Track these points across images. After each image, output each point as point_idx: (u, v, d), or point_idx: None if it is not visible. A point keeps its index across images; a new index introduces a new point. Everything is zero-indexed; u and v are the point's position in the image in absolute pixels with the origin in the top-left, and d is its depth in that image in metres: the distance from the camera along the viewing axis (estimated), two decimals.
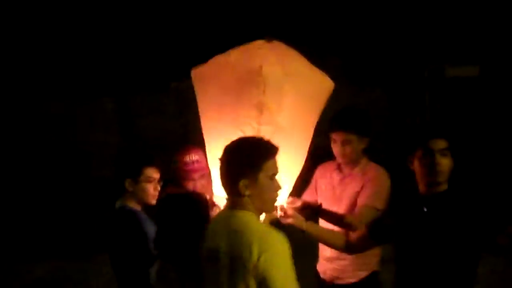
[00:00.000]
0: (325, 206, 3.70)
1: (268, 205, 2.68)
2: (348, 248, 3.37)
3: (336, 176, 3.82)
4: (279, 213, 3.25)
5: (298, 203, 3.34)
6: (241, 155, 2.57)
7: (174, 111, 10.23)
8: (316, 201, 3.81)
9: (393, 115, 12.14)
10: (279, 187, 2.66)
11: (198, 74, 3.28)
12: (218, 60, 3.22)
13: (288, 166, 3.16)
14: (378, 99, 11.97)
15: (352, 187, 3.71)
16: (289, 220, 3.25)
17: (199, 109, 3.29)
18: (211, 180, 3.36)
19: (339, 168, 3.83)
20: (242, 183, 2.53)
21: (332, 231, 3.49)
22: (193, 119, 3.59)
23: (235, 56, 3.15)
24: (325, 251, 3.86)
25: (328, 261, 3.86)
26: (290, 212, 3.24)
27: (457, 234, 2.94)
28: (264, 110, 3.00)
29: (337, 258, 3.77)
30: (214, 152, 3.21)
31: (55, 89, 8.91)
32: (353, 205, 3.67)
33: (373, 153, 3.83)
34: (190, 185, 3.60)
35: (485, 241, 2.90)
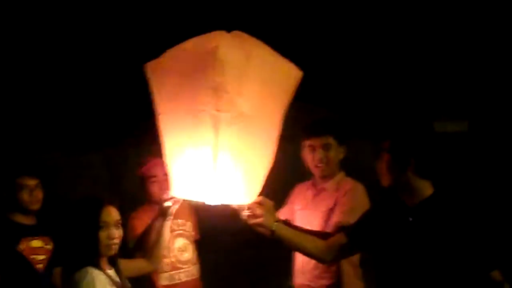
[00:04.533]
0: (298, 224, 3.36)
1: None
2: (324, 254, 2.98)
3: (310, 193, 3.49)
4: (245, 212, 2.87)
5: (268, 203, 2.93)
6: None
7: None
8: (287, 219, 3.45)
9: None
10: None
11: (153, 67, 2.93)
12: (173, 51, 2.89)
13: (253, 159, 2.79)
14: (367, 152, 11.72)
15: (325, 204, 3.37)
16: (257, 220, 2.86)
17: (155, 105, 2.92)
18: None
19: (313, 184, 3.50)
20: None
21: (306, 235, 3.08)
22: None
23: (190, 43, 2.83)
24: (296, 261, 3.49)
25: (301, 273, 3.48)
26: (258, 211, 2.85)
27: (448, 248, 2.60)
28: (223, 94, 2.65)
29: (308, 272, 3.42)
30: (171, 147, 2.86)
31: (42, 141, 8.52)
32: (326, 223, 3.32)
33: None
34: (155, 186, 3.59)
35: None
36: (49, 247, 3.46)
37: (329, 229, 3.25)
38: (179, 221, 3.80)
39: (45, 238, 3.46)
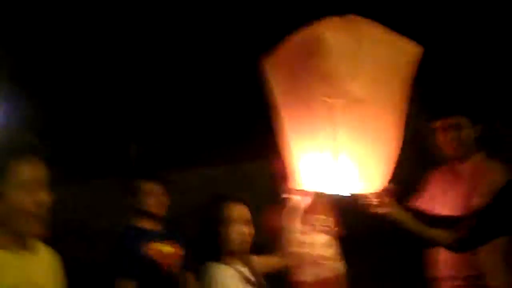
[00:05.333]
0: (438, 212, 3.14)
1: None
2: (455, 243, 2.77)
3: (446, 178, 3.21)
4: (372, 201, 2.76)
5: (394, 192, 2.79)
6: None
7: None
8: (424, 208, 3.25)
9: None
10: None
11: (268, 64, 2.90)
12: (285, 43, 2.83)
13: (375, 145, 2.67)
14: None
15: (463, 188, 3.08)
16: (384, 210, 2.74)
17: (274, 99, 2.89)
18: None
19: (449, 168, 3.23)
20: None
21: (434, 225, 2.90)
22: None
23: (300, 33, 2.76)
24: (437, 252, 3.26)
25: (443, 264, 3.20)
26: (384, 200, 2.73)
27: None
28: (335, 81, 2.55)
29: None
30: (292, 140, 2.82)
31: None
32: (465, 208, 3.01)
33: None
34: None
35: None
36: (179, 252, 3.47)
37: (468, 214, 2.98)
38: (321, 217, 3.73)
39: (175, 245, 3.48)
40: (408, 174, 3.48)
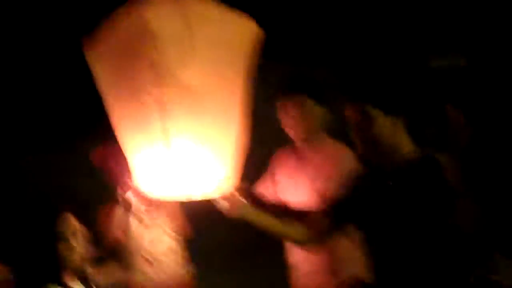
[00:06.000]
0: (282, 196, 3.08)
1: None
2: (309, 237, 2.59)
3: (290, 161, 3.11)
4: (222, 204, 2.52)
5: (237, 192, 2.54)
6: None
7: None
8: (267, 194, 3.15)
9: None
10: None
11: (89, 49, 2.50)
12: (105, 28, 2.46)
13: (216, 139, 2.40)
14: None
15: (307, 172, 3.01)
16: (237, 212, 2.52)
17: (99, 88, 2.51)
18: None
19: (293, 151, 3.10)
20: None
21: (283, 219, 2.70)
22: None
23: (120, 16, 2.40)
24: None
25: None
26: (237, 201, 2.51)
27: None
28: (163, 71, 2.25)
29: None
30: (122, 134, 2.48)
31: None
32: (310, 192, 2.96)
33: None
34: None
35: None
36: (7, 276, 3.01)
37: (313, 200, 2.92)
38: (166, 221, 3.44)
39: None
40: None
